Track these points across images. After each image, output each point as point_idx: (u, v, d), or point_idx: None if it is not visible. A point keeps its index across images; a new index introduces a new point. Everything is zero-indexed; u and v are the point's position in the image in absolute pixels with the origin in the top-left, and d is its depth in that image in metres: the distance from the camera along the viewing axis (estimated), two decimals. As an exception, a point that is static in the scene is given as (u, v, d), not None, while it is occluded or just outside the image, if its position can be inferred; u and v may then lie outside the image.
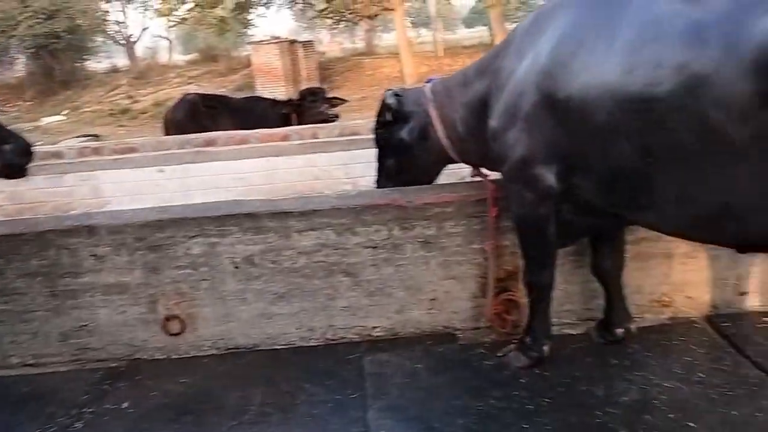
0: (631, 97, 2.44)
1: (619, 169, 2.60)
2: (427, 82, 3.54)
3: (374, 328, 3.59)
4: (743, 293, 3.60)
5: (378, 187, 3.72)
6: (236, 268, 3.49)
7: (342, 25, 28.17)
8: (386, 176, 3.68)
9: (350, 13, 23.86)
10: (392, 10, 19.91)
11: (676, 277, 3.58)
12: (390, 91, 3.51)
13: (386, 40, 37.31)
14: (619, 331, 3.33)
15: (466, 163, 3.50)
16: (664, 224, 2.68)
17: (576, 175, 2.81)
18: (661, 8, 2.48)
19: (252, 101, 7.19)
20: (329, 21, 25.22)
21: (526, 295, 3.26)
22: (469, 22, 53.18)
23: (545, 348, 3.19)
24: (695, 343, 3.33)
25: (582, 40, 2.67)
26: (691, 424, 2.68)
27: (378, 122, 3.57)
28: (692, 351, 3.26)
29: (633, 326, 3.36)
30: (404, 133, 3.47)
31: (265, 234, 3.44)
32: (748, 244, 2.53)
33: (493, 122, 3.04)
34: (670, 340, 3.37)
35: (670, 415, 2.75)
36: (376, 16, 23.22)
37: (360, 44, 36.07)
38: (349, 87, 19.93)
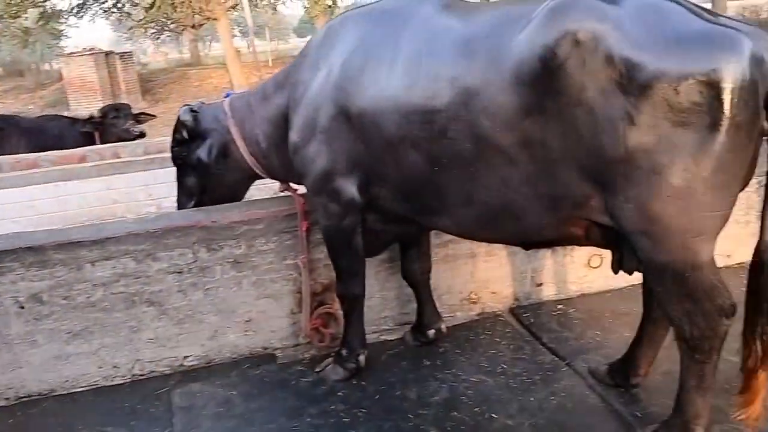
0: (414, 110, 2.54)
1: (411, 178, 2.69)
2: (226, 96, 3.42)
3: (186, 357, 3.40)
4: (540, 284, 3.90)
5: (180, 209, 3.53)
6: (21, 308, 3.12)
7: (165, 35, 26.93)
8: (188, 196, 3.50)
9: (172, 23, 22.87)
10: (216, 19, 19.34)
11: (481, 275, 3.78)
12: (185, 107, 3.35)
13: (216, 49, 36.22)
14: (431, 332, 3.45)
15: (273, 178, 3.43)
16: (456, 227, 2.81)
17: (376, 185, 2.86)
18: (437, 24, 2.60)
19: (47, 120, 6.52)
20: (151, 31, 23.96)
21: (340, 306, 3.26)
22: (300, 32, 53.42)
23: (361, 358, 3.21)
24: (500, 335, 3.54)
25: (370, 55, 2.74)
26: (494, 415, 2.83)
27: (174, 140, 3.39)
28: (497, 343, 3.46)
29: (443, 326, 3.50)
30: (203, 151, 3.32)
31: (53, 268, 3.11)
32: (528, 240, 2.72)
33: (293, 136, 3.01)
34: (478, 335, 3.55)
35: (475, 409, 2.88)
36: (200, 25, 22.45)
37: (188, 55, 34.68)
38: (174, 99, 19.03)
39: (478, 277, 3.78)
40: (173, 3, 18.67)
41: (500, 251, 3.77)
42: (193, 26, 22.67)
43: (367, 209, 2.97)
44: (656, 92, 2.08)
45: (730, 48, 2.07)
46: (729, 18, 2.24)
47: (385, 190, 2.85)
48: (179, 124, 3.31)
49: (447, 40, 2.52)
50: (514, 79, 2.29)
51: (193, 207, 3.47)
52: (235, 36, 24.14)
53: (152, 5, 19.12)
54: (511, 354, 3.34)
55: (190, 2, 18.77)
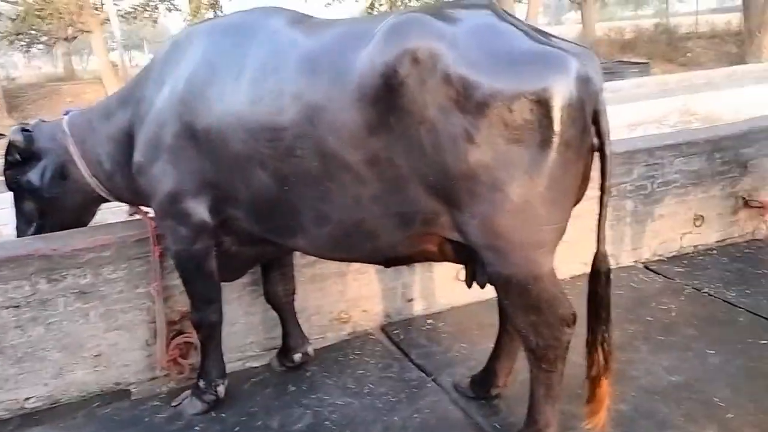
0: (260, 127, 2.46)
1: (262, 198, 2.60)
2: (66, 113, 3.18)
3: (27, 399, 3.09)
4: (410, 300, 3.91)
5: (19, 236, 3.23)
6: None
7: (37, 48, 25.18)
8: (27, 223, 3.21)
9: (44, 36, 21.43)
10: (89, 32, 18.31)
11: (351, 293, 3.73)
12: (16, 127, 3.07)
13: (95, 63, 34.34)
14: (298, 356, 3.35)
15: (121, 200, 3.22)
16: (311, 247, 2.73)
17: (228, 205, 2.74)
18: (283, 39, 2.54)
19: None
20: (20, 43, 22.27)
21: (196, 335, 3.09)
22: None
23: (220, 388, 3.05)
24: (369, 354, 3.50)
25: (215, 69, 2.64)
26: (357, 439, 2.77)
27: (6, 162, 3.09)
28: (365, 363, 3.41)
29: (311, 348, 3.40)
30: (37, 174, 3.06)
31: None
32: (384, 259, 2.69)
33: (138, 155, 2.84)
34: (347, 356, 3.48)
35: (338, 434, 2.81)
36: (73, 38, 21.18)
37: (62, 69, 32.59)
38: (44, 116, 17.78)
39: (348, 295, 3.72)
40: (41, 15, 17.48)
41: (370, 269, 3.74)
42: (66, 39, 21.37)
43: (221, 231, 2.84)
44: (492, 110, 2.12)
45: (558, 68, 2.14)
46: (560, 39, 2.33)
47: (238, 210, 2.73)
48: (10, 145, 3.03)
49: (292, 55, 2.46)
50: (358, 96, 2.26)
51: (33, 234, 3.19)
52: (116, 50, 22.89)
53: (18, 16, 17.81)
54: (379, 373, 3.30)
55: (60, 14, 17.66)
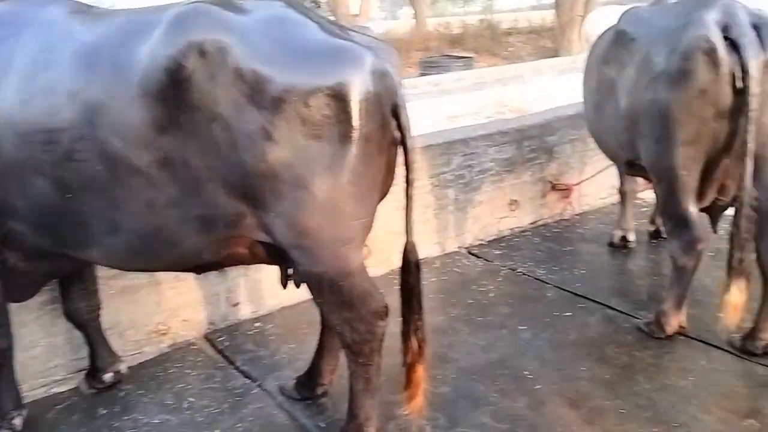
0: (32, 129, 2.22)
1: (44, 208, 2.35)
2: None
3: None
4: (236, 304, 3.76)
5: None
6: None
7: None
8: None
9: None
10: None
11: (169, 303, 3.50)
12: None
13: None
14: (108, 375, 3.09)
15: None
16: (107, 259, 2.51)
17: (7, 218, 2.44)
18: (57, 32, 2.31)
19: None
20: None
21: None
22: None
23: (16, 421, 2.73)
24: (190, 366, 3.31)
25: (-20, 66, 2.31)
26: (171, 459, 2.60)
27: None
28: (186, 376, 3.22)
29: (124, 366, 3.16)
30: None
31: None
32: (190, 266, 2.54)
33: None
34: (166, 370, 3.27)
35: (154, 456, 2.62)
36: None
37: None
38: None
39: (165, 305, 3.49)
40: None
41: (188, 275, 3.51)
42: None
43: (3, 246, 2.52)
44: (287, 106, 2.06)
45: (353, 62, 2.13)
46: (357, 33, 2.32)
47: (19, 223, 2.44)
48: None
49: (68, 49, 2.23)
50: (141, 92, 2.09)
51: None
52: None
53: None
54: (201, 384, 3.13)
55: None
